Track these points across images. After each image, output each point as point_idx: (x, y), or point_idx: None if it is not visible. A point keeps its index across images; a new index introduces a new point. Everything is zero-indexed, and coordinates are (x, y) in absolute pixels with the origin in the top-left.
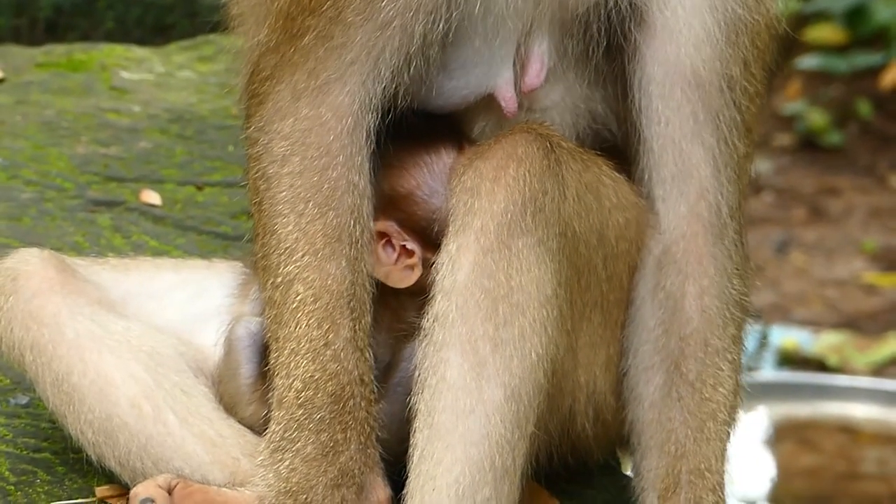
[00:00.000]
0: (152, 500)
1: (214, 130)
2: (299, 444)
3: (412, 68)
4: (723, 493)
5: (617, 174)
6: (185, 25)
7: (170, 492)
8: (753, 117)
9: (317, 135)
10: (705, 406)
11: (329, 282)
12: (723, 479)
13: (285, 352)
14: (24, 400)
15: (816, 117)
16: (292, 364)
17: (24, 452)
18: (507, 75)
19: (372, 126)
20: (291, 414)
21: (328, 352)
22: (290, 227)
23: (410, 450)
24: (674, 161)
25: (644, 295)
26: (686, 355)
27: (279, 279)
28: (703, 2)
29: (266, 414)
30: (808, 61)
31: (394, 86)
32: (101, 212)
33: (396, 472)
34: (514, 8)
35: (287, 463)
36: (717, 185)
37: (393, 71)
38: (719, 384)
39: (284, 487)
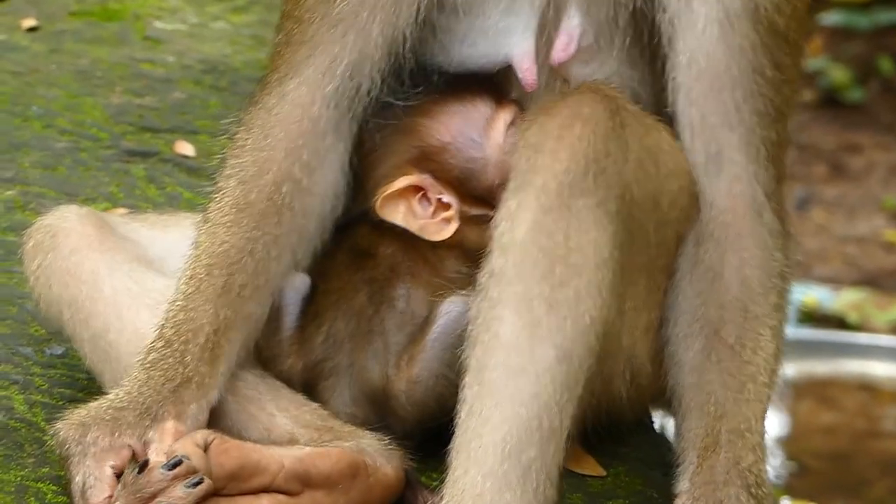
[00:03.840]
0: (188, 457)
1: (248, 82)
2: (128, 376)
3: (390, 56)
4: (762, 454)
5: (675, 141)
6: None
7: (206, 448)
8: (786, 103)
9: (262, 120)
10: (745, 368)
11: (215, 246)
12: (763, 439)
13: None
14: (59, 350)
15: (838, 74)
16: (164, 314)
17: (60, 403)
18: (526, 46)
19: (338, 121)
20: (149, 341)
21: (181, 302)
22: (214, 202)
23: (458, 405)
24: (706, 146)
25: (684, 269)
26: (725, 321)
27: (191, 246)
28: None
29: (303, 366)
30: (830, 17)
31: (364, 79)
32: (135, 162)
33: (432, 431)
34: None
35: (128, 379)
36: (751, 171)
37: (355, 65)
38: (759, 348)
39: (95, 404)
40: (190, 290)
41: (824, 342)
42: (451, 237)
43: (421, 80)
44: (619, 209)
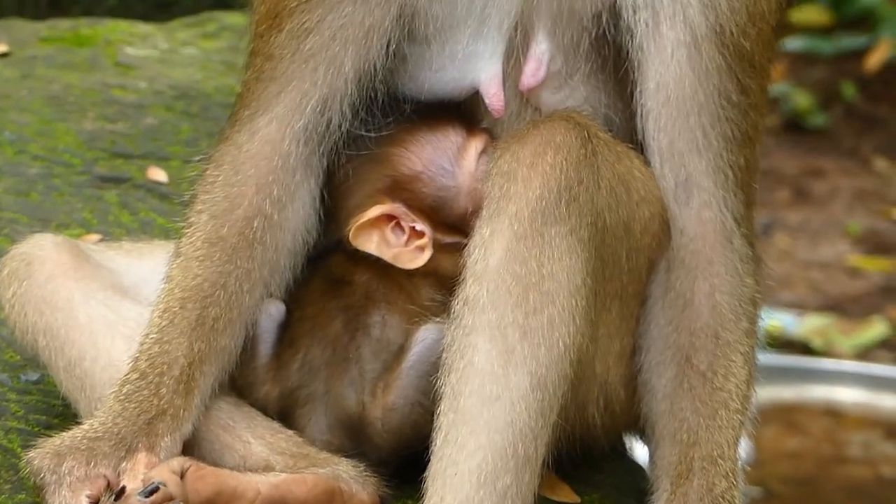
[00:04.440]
0: (164, 484)
1: (219, 108)
2: (103, 406)
3: (361, 88)
4: (735, 480)
5: (646, 167)
6: (187, 2)
7: (182, 475)
8: (754, 128)
9: (232, 156)
10: (717, 395)
11: (187, 280)
12: (735, 466)
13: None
14: (34, 377)
15: (801, 99)
16: (137, 346)
17: (36, 429)
18: (494, 71)
19: (307, 156)
20: (123, 373)
21: (155, 335)
22: (185, 237)
23: (433, 433)
24: (675, 172)
25: (656, 296)
26: (697, 348)
27: (163, 280)
28: (691, 19)
29: (279, 393)
30: (793, 43)
31: (335, 114)
32: (108, 188)
33: (407, 458)
34: (491, 6)
35: (103, 409)
36: (720, 197)
37: (326, 100)
38: (731, 374)
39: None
40: (164, 324)
41: (789, 368)
42: (425, 265)
43: (391, 109)
44: (591, 236)
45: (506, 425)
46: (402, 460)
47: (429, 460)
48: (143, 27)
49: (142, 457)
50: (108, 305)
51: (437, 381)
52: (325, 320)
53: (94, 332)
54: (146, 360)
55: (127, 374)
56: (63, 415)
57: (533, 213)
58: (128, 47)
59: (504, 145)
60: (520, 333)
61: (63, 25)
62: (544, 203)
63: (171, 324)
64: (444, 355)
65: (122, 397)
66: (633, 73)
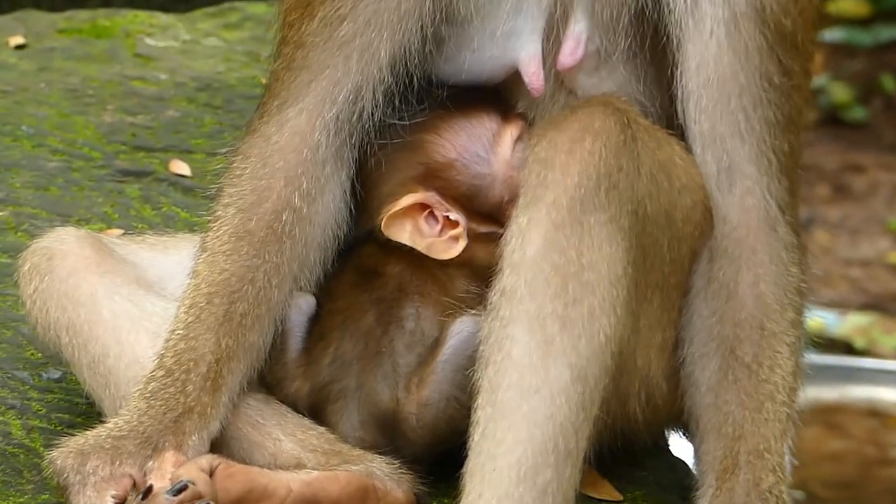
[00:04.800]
0: (193, 482)
1: (243, 100)
2: (128, 405)
3: (395, 74)
4: (783, 474)
5: (687, 154)
6: None
7: (211, 473)
8: (797, 111)
9: (260, 148)
10: (762, 388)
11: (214, 275)
12: (783, 459)
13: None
14: (56, 374)
15: (840, 92)
16: (163, 343)
17: (59, 428)
18: (533, 49)
19: (338, 147)
20: (149, 370)
21: (181, 331)
22: (212, 230)
23: (470, 427)
24: (717, 158)
25: (699, 286)
26: (741, 339)
27: (190, 274)
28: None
29: (309, 388)
30: (830, 34)
31: (367, 103)
32: (129, 182)
33: (443, 454)
34: None
35: (128, 407)
36: (763, 183)
37: (359, 88)
38: (776, 366)
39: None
40: (190, 320)
41: (831, 367)
42: (459, 255)
43: (425, 95)
44: (632, 225)
45: (546, 419)
46: (438, 457)
47: (465, 456)
48: (163, 18)
49: (169, 455)
50: (133, 301)
51: (472, 375)
52: (356, 313)
53: (118, 328)
54: (172, 357)
55: (153, 372)
56: (86, 413)
57: (571, 200)
58: (147, 38)
59: (541, 132)
60: (559, 325)
61: (81, 16)
62: (583, 191)
63: (198, 320)
64: (480, 348)
65: (147, 395)
66: (674, 53)
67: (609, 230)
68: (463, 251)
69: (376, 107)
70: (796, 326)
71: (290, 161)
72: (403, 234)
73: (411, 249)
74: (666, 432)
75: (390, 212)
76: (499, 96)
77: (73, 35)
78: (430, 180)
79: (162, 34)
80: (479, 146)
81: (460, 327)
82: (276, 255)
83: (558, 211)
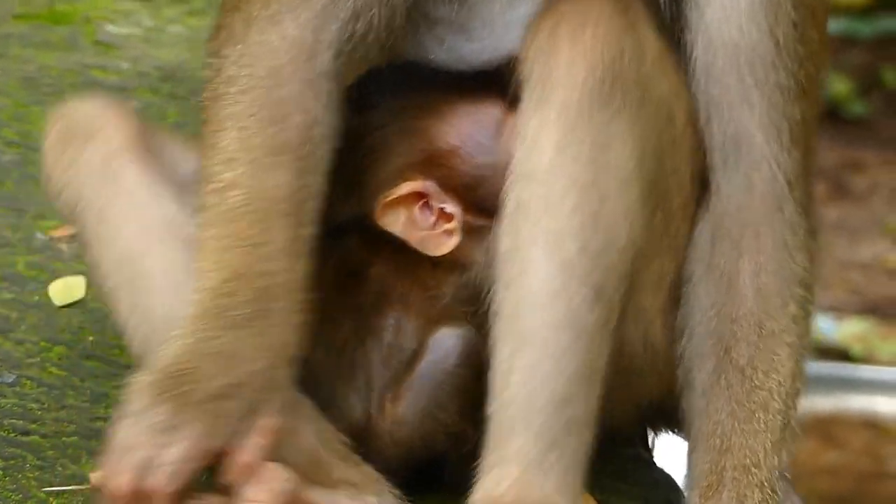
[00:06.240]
0: None
1: None
2: (203, 334)
3: (396, 15)
4: (773, 489)
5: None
6: None
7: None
8: (810, 80)
9: (267, 59)
10: (755, 395)
11: (267, 189)
12: (773, 474)
13: (211, 247)
14: (10, 378)
15: (839, 85)
16: (219, 258)
17: (12, 435)
18: None
19: (334, 66)
20: (212, 300)
21: (259, 251)
22: (231, 140)
23: (493, 363)
24: (723, 128)
25: (700, 273)
26: (738, 338)
27: (217, 185)
28: None
29: None
30: (830, 25)
31: (364, 27)
32: None
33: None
34: None
35: (187, 347)
36: (771, 152)
37: (356, 10)
38: (773, 371)
39: (173, 370)
40: (257, 238)
41: (826, 376)
42: (451, 255)
43: (425, 77)
44: (638, 115)
45: (572, 349)
46: (412, 471)
47: (441, 469)
48: (125, 3)
49: (267, 422)
50: (175, 200)
51: (451, 390)
52: (332, 323)
53: (150, 230)
54: (245, 283)
55: (222, 299)
56: (41, 420)
57: (581, 98)
58: (109, 25)
59: (535, 26)
60: (578, 244)
61: (38, 1)
62: (591, 85)
63: (268, 239)
64: (495, 267)
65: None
66: (677, 31)
67: (617, 125)
68: (455, 249)
69: (373, 29)
70: (798, 322)
71: (300, 69)
72: (397, 224)
73: (400, 249)
74: (650, 441)
75: (387, 199)
76: (500, 82)
77: (31, 21)
78: (431, 168)
79: (124, 21)
80: (482, 134)
81: (441, 339)
82: (313, 170)
83: (567, 112)
